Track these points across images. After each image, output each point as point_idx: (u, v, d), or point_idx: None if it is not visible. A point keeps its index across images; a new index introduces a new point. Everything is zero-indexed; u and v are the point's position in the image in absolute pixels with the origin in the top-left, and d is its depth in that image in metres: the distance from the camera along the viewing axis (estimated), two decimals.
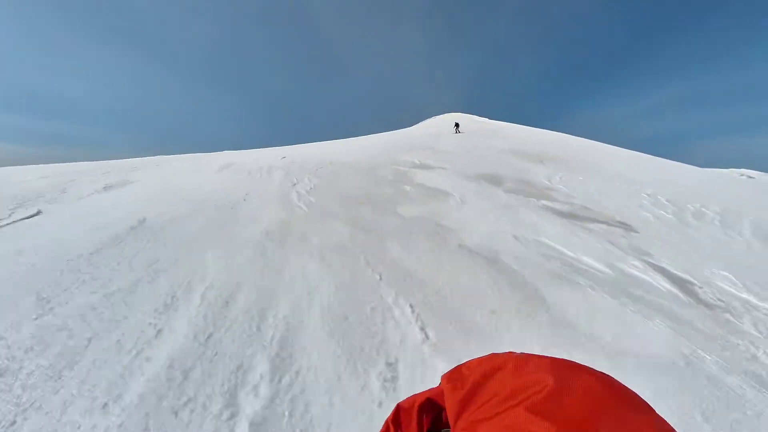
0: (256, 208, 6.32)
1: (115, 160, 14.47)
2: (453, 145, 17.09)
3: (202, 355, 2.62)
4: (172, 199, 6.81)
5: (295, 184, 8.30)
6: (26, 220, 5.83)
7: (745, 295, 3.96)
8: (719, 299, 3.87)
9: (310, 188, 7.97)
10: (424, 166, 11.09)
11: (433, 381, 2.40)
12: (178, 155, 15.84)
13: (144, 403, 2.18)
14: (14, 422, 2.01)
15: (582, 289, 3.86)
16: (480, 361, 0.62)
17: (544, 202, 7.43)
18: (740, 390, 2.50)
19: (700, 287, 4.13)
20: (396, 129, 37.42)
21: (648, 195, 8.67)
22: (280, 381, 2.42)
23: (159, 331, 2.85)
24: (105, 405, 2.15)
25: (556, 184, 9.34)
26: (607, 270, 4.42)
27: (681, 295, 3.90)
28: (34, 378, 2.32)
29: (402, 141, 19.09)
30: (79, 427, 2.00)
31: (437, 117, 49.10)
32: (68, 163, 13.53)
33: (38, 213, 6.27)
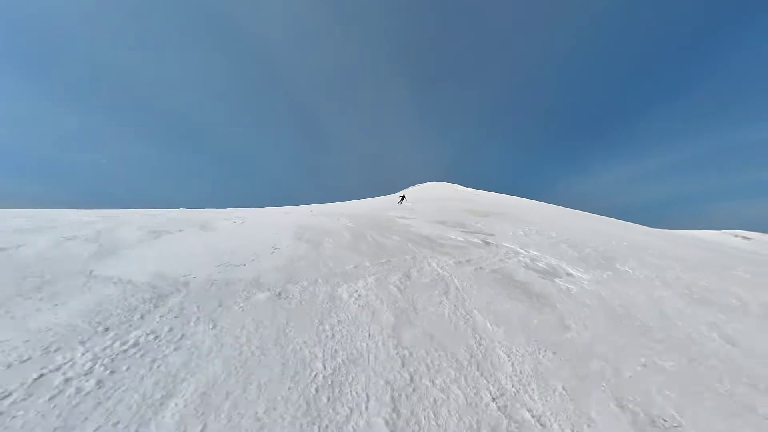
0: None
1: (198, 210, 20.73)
2: (428, 206, 24.39)
3: None
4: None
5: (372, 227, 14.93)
6: None
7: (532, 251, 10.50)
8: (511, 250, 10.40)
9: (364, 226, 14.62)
10: (403, 217, 18.00)
11: None
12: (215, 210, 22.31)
13: None
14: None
15: (455, 240, 10.36)
16: None
17: (461, 229, 14.18)
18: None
19: (495, 243, 10.68)
20: (380, 194, 45.35)
21: (528, 228, 15.49)
22: None
23: None
24: None
25: (477, 225, 16.18)
26: (460, 239, 10.97)
27: (482, 244, 10.43)
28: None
29: (388, 203, 26.55)
30: None
31: (419, 185, 57.29)
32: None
33: None
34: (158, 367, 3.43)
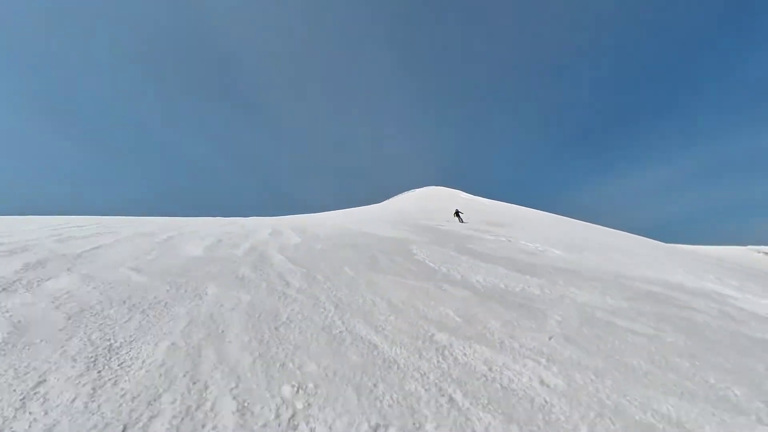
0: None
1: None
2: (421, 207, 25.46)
3: None
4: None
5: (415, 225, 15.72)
6: None
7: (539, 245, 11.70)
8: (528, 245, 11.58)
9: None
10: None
11: None
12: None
13: None
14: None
15: (481, 239, 11.43)
16: None
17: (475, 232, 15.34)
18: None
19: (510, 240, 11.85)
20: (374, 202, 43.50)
21: (526, 232, 16.84)
22: None
23: None
24: None
25: (494, 233, 17.41)
26: (491, 237, 12.06)
27: (517, 247, 11.58)
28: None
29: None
30: None
31: (417, 190, 52.99)
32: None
33: None
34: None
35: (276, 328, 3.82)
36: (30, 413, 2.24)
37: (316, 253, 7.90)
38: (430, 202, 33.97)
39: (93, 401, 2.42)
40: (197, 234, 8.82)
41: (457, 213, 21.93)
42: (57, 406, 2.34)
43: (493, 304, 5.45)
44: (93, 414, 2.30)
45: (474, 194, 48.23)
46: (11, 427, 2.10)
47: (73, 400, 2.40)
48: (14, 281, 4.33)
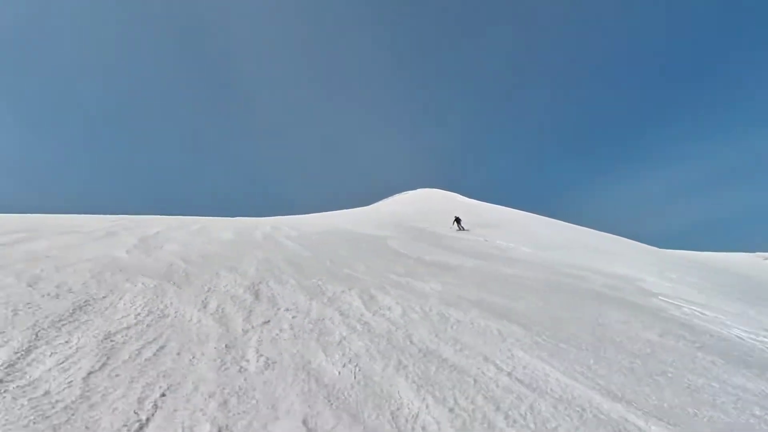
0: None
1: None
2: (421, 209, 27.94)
3: None
4: None
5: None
6: None
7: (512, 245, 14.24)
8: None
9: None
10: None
11: None
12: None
13: None
14: None
15: (461, 238, 13.96)
16: None
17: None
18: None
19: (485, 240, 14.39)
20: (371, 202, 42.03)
21: (509, 233, 19.33)
22: None
23: None
24: None
25: (477, 233, 19.82)
26: (472, 237, 14.60)
27: (490, 244, 14.10)
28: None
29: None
30: None
31: (411, 192, 50.40)
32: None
33: None
34: None
35: (301, 266, 6.82)
36: None
37: (313, 240, 10.48)
38: (425, 205, 34.25)
39: None
40: (216, 226, 11.35)
41: (457, 220, 20.53)
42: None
43: (433, 268, 8.27)
44: None
45: (471, 198, 45.34)
46: None
47: None
48: None
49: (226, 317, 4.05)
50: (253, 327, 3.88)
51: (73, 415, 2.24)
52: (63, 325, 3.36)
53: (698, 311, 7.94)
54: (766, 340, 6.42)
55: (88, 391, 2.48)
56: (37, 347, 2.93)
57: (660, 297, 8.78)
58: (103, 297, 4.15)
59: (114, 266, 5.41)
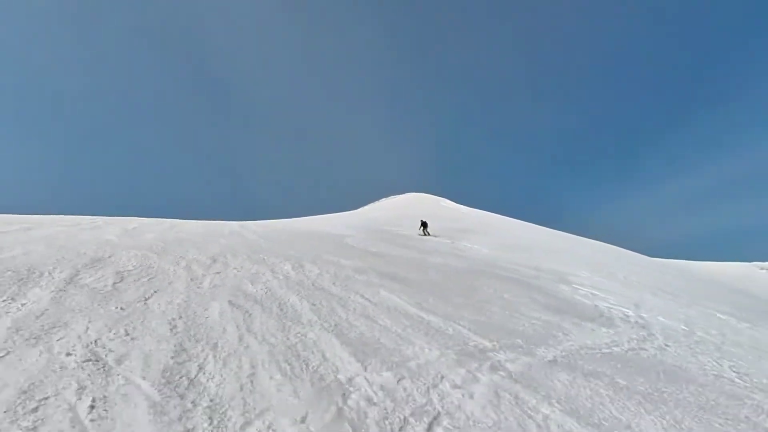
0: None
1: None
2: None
3: None
4: None
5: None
6: None
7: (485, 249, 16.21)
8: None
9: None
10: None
11: None
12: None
13: None
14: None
15: (428, 240, 15.92)
16: None
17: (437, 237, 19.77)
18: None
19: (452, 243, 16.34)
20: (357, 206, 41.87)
21: (482, 237, 21.27)
22: None
23: None
24: None
25: (446, 236, 21.71)
26: (437, 239, 16.64)
27: (451, 245, 16.04)
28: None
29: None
30: None
31: (398, 196, 50.62)
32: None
33: None
34: None
35: (255, 249, 8.85)
36: None
37: (274, 235, 12.45)
38: (408, 210, 34.04)
39: None
40: (188, 225, 13.21)
41: (423, 224, 19.82)
42: None
43: (369, 256, 10.43)
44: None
45: (463, 203, 44.84)
46: None
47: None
48: None
49: (191, 270, 6.21)
50: (209, 273, 6.07)
51: (126, 299, 4.51)
52: (92, 266, 5.57)
53: (592, 293, 9.13)
54: (625, 311, 7.71)
55: (119, 292, 4.75)
56: (79, 275, 5.16)
57: (573, 285, 9.88)
58: (109, 257, 6.27)
59: (109, 244, 7.42)
